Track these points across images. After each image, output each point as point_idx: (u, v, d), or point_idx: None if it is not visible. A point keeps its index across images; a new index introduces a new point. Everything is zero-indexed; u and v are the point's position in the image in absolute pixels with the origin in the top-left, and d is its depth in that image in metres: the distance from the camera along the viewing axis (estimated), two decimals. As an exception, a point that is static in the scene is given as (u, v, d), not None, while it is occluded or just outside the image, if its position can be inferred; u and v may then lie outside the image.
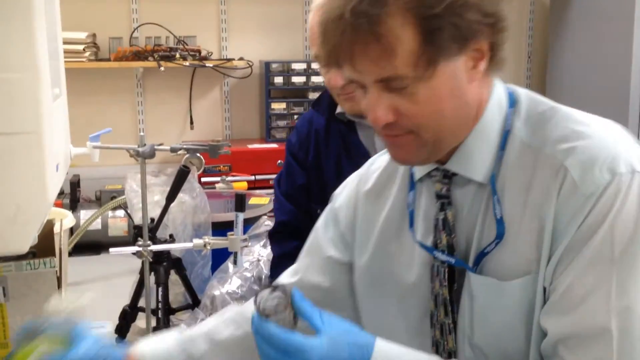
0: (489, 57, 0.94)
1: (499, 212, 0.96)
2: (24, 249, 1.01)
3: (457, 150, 0.99)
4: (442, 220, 1.02)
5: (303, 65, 3.71)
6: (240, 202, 1.53)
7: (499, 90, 1.02)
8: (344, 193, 1.22)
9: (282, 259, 1.72)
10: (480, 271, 0.98)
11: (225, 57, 3.75)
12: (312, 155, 1.76)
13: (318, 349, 0.93)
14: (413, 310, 1.07)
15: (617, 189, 0.88)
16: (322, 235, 1.21)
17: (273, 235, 1.77)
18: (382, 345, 0.97)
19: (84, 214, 2.61)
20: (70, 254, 2.32)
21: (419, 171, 1.05)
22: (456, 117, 0.96)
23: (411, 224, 1.07)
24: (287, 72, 3.69)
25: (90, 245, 2.56)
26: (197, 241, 1.16)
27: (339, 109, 1.71)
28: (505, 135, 0.99)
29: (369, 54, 0.90)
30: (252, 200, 2.43)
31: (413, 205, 1.07)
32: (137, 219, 1.74)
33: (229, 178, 3.04)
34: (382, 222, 1.11)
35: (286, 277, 1.22)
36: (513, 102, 1.01)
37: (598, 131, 0.94)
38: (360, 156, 1.66)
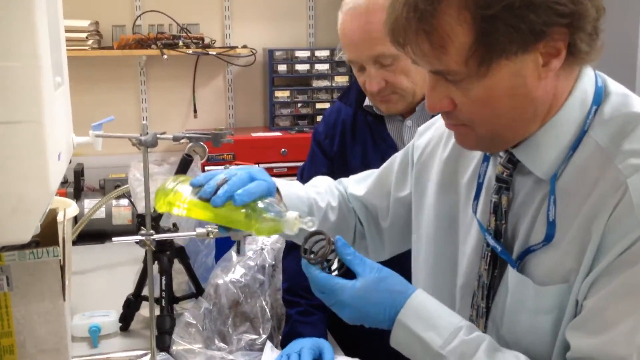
0: (565, 53, 0.88)
1: (553, 214, 0.93)
2: (26, 238, 1.01)
3: (526, 139, 0.96)
4: (495, 204, 1.01)
5: (307, 53, 3.69)
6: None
7: (587, 84, 0.95)
8: (428, 134, 1.23)
9: (292, 249, 1.72)
10: (521, 268, 0.97)
11: (228, 45, 3.73)
12: (337, 145, 1.75)
13: (350, 289, 0.98)
14: (461, 282, 1.08)
15: None
16: (397, 166, 1.30)
17: None
18: (419, 297, 0.99)
19: (88, 203, 2.61)
20: (75, 242, 2.33)
21: None
22: (516, 115, 0.92)
23: (476, 196, 1.06)
24: (291, 60, 3.67)
25: (95, 233, 2.56)
26: (200, 230, 1.15)
27: (367, 102, 1.69)
28: (581, 136, 0.93)
29: (420, 47, 0.90)
30: (256, 189, 2.42)
31: (483, 177, 1.06)
32: (141, 208, 1.74)
33: (233, 166, 3.03)
34: (461, 187, 1.11)
35: (354, 186, 1.36)
36: (600, 98, 0.95)
37: None
38: (387, 148, 1.65)
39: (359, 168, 1.70)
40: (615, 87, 0.98)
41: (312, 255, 1.02)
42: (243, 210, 1.04)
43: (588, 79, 0.96)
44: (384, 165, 1.33)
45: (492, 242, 1.00)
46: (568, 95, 0.94)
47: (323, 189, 1.32)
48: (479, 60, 0.87)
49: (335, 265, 1.02)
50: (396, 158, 1.30)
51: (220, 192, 1.05)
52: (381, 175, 1.32)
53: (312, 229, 1.07)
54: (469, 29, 0.86)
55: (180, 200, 1.08)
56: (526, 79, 0.89)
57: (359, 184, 1.35)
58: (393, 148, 1.65)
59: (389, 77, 1.54)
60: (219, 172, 1.10)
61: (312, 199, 1.27)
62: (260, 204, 1.05)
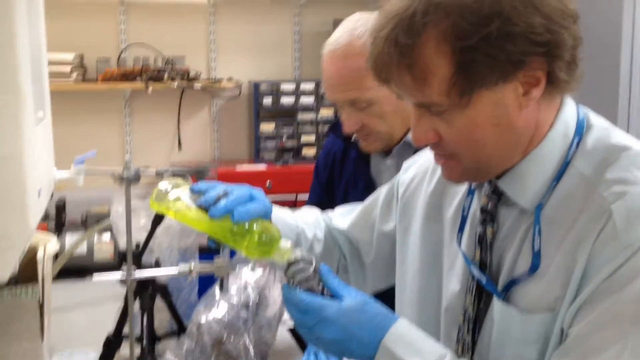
0: (545, 82, 0.89)
1: (538, 244, 0.93)
2: (4, 278, 0.98)
3: (510, 170, 0.96)
4: (480, 235, 1.01)
5: (292, 86, 3.70)
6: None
7: (569, 115, 0.97)
8: (413, 169, 1.24)
9: None
10: (507, 299, 0.96)
11: (214, 78, 3.73)
12: (327, 176, 1.76)
13: (336, 306, 0.96)
14: (446, 316, 1.07)
15: None
16: (381, 201, 1.29)
17: None
18: (404, 323, 0.98)
19: (70, 238, 2.57)
20: (54, 278, 2.28)
21: None
22: (500, 144, 0.93)
23: (461, 228, 1.06)
24: (276, 93, 3.68)
25: (75, 269, 2.51)
26: (183, 267, 1.13)
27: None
28: (564, 166, 0.94)
29: (403, 80, 0.91)
30: (241, 223, 2.40)
31: (468, 210, 1.06)
32: (123, 244, 1.72)
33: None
34: (446, 221, 1.11)
35: (339, 219, 1.35)
36: (582, 130, 0.96)
37: None
38: (365, 187, 1.65)
39: (341, 204, 1.70)
40: (598, 121, 0.99)
41: (294, 280, 1.00)
42: (238, 228, 1.03)
43: (570, 111, 0.98)
44: (369, 199, 1.33)
45: (477, 273, 1.00)
46: (550, 127, 0.95)
47: (311, 220, 1.31)
48: (460, 91, 0.88)
49: (320, 288, 1.00)
50: (381, 192, 1.30)
51: (220, 204, 1.04)
52: (365, 209, 1.32)
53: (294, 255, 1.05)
54: (448, 61, 0.87)
55: (175, 204, 1.06)
56: (508, 109, 0.90)
57: (343, 217, 1.35)
58: (370, 188, 1.66)
59: (364, 120, 1.55)
60: (219, 184, 1.08)
61: (301, 228, 1.27)
62: (256, 226, 1.04)
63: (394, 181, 1.28)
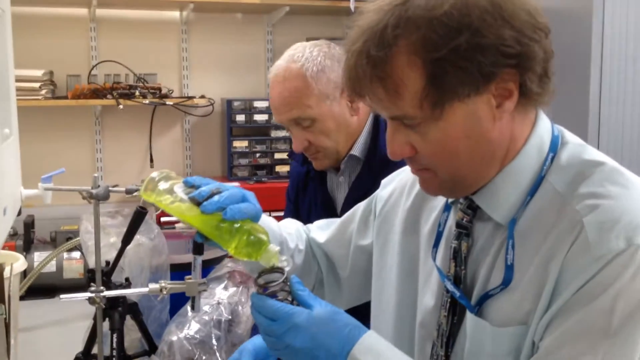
0: (518, 95, 0.90)
1: (511, 258, 0.93)
2: (-33, 298, 0.96)
3: (485, 185, 0.97)
4: (455, 250, 1.01)
5: (265, 103, 3.69)
6: (197, 245, 1.49)
7: (543, 131, 0.98)
8: (391, 186, 1.25)
9: None
10: (480, 313, 0.96)
11: (186, 95, 3.72)
12: (294, 197, 1.85)
13: (307, 314, 0.95)
14: (421, 332, 1.07)
15: (629, 260, 0.84)
16: (359, 216, 1.29)
17: None
18: (374, 335, 0.98)
19: (38, 256, 2.53)
20: (23, 297, 2.24)
21: None
22: (475, 157, 0.93)
23: (436, 243, 1.06)
24: (249, 110, 3.67)
25: (45, 288, 2.48)
26: (153, 286, 1.12)
27: None
28: (538, 181, 0.95)
29: (376, 93, 0.92)
30: (213, 241, 2.39)
31: (443, 225, 1.06)
32: (92, 262, 1.69)
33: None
34: (422, 237, 1.11)
35: (317, 233, 1.35)
36: (556, 146, 0.97)
37: (631, 196, 0.89)
38: (323, 203, 1.70)
39: (306, 220, 1.73)
40: (572, 138, 1.01)
41: (264, 289, 0.99)
42: (227, 225, 1.03)
43: (545, 126, 0.99)
44: (347, 214, 1.34)
45: (451, 287, 1.00)
46: (525, 141, 0.96)
47: (293, 231, 1.32)
48: (432, 103, 0.89)
49: (290, 299, 0.99)
50: (359, 207, 1.31)
51: (214, 199, 1.03)
52: (342, 223, 1.33)
53: (287, 269, 1.03)
54: (420, 73, 0.88)
55: (166, 195, 1.05)
56: (481, 121, 0.91)
57: (321, 230, 1.36)
58: (329, 208, 1.71)
59: (310, 138, 1.66)
60: (213, 180, 1.09)
61: (284, 237, 1.27)
62: (245, 226, 1.04)
63: (372, 197, 1.29)
